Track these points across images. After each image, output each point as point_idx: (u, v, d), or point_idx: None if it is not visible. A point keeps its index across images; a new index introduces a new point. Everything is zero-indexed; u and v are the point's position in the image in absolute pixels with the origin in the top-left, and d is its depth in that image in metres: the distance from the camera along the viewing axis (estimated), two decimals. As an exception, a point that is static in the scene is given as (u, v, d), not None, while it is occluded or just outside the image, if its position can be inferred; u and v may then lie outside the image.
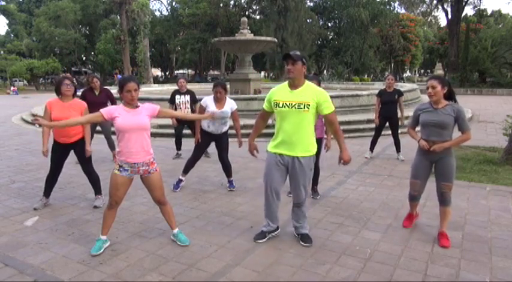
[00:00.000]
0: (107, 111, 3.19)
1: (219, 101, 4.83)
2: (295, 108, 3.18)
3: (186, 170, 5.12)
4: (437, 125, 3.36)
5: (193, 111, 6.73)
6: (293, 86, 3.26)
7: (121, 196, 3.31)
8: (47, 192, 4.50)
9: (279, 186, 3.43)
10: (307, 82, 3.29)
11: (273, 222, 3.56)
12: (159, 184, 3.39)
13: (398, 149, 6.82)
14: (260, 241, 3.51)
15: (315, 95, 3.20)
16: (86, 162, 4.45)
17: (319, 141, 4.52)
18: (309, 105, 3.17)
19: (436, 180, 3.51)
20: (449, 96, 3.41)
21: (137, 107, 3.25)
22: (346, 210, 4.32)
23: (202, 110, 4.86)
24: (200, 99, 5.11)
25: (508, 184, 5.21)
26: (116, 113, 3.18)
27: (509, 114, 7.34)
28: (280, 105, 3.24)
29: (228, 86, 14.74)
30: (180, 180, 5.13)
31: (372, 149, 7.01)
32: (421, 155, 3.54)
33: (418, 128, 3.65)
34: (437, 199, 3.54)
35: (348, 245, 3.44)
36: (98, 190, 4.58)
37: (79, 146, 4.35)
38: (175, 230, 3.53)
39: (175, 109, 6.71)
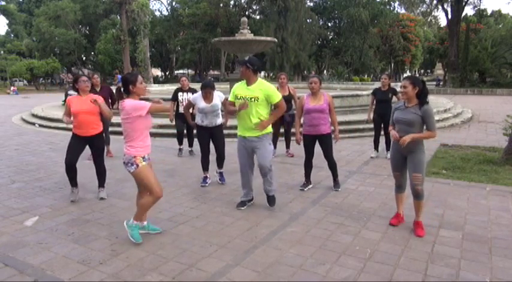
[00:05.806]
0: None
1: (207, 98, 5.11)
2: (248, 100, 4.03)
3: (204, 168, 5.36)
4: (405, 123, 3.59)
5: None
6: (248, 83, 4.11)
7: (158, 182, 3.52)
8: (73, 182, 4.69)
9: (248, 162, 4.30)
10: (259, 80, 4.13)
11: (249, 194, 4.43)
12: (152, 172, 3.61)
13: (388, 148, 6.69)
14: (242, 208, 4.33)
15: (263, 90, 4.04)
16: (99, 155, 4.77)
17: (329, 136, 4.91)
18: (258, 98, 4.04)
19: (408, 173, 3.70)
20: (420, 96, 3.53)
21: None
22: (346, 210, 4.32)
23: (192, 105, 5.32)
24: None
25: (508, 184, 5.21)
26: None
27: (509, 114, 7.33)
28: (239, 97, 4.11)
29: (228, 86, 14.78)
30: (206, 177, 5.36)
31: (376, 148, 7.04)
32: (395, 149, 3.81)
33: None
34: (411, 193, 3.70)
35: (348, 245, 3.44)
36: (102, 182, 4.84)
37: (96, 140, 4.65)
38: (133, 221, 3.54)
39: (177, 106, 6.94)
